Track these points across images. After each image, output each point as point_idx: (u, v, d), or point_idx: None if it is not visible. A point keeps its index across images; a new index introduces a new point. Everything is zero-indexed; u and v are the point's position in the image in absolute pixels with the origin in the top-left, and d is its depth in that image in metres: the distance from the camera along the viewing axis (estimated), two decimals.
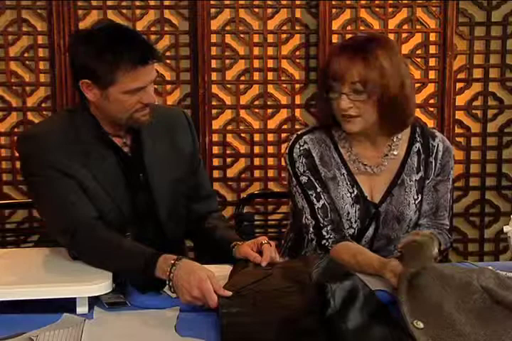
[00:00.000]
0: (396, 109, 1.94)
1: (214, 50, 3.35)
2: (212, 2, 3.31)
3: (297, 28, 3.38)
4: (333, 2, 3.33)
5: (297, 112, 3.42)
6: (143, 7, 3.32)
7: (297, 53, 3.39)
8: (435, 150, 2.07)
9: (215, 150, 3.42)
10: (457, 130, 3.48)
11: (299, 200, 2.05)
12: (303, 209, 2.04)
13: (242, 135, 3.42)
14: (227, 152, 3.43)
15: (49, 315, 1.60)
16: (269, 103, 3.41)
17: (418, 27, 3.39)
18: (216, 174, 3.44)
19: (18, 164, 3.30)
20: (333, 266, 1.73)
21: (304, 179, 2.04)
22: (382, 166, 2.04)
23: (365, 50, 1.91)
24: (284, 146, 3.29)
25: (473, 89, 3.47)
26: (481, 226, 3.56)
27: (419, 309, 1.51)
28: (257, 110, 3.42)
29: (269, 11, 3.35)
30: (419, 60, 3.41)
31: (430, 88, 3.43)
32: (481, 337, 1.45)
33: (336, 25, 3.35)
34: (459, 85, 3.45)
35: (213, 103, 3.38)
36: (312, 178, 2.03)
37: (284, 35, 3.37)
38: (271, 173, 3.46)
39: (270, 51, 3.37)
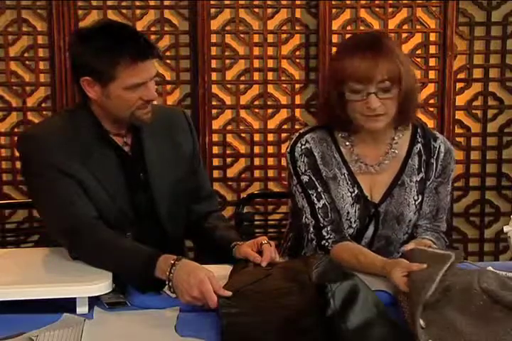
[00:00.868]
0: (412, 101, 1.96)
1: (214, 50, 3.35)
2: (212, 2, 3.31)
3: (297, 28, 3.38)
4: (333, 2, 3.33)
5: (297, 112, 3.42)
6: (143, 7, 3.32)
7: (297, 53, 3.39)
8: (437, 152, 2.07)
9: (215, 150, 3.42)
10: (457, 130, 3.48)
11: (299, 200, 2.05)
12: (303, 209, 2.04)
13: (242, 135, 3.42)
14: (227, 152, 3.43)
15: (49, 315, 1.61)
16: (269, 103, 3.41)
17: (418, 27, 3.39)
18: (216, 174, 3.44)
19: (18, 164, 3.32)
20: (333, 266, 1.73)
21: (305, 178, 2.03)
22: (383, 165, 2.04)
23: (382, 46, 1.90)
24: (284, 146, 3.30)
25: (473, 89, 3.46)
26: (481, 226, 3.55)
27: (421, 310, 1.51)
28: (257, 110, 3.42)
29: (269, 11, 3.35)
30: (419, 60, 3.41)
31: (430, 88, 3.43)
32: (481, 337, 1.45)
33: (336, 25, 3.35)
34: (459, 85, 3.45)
35: (213, 103, 3.38)
36: (313, 178, 2.03)
37: (284, 35, 3.37)
38: (271, 173, 3.46)
39: (270, 51, 3.37)
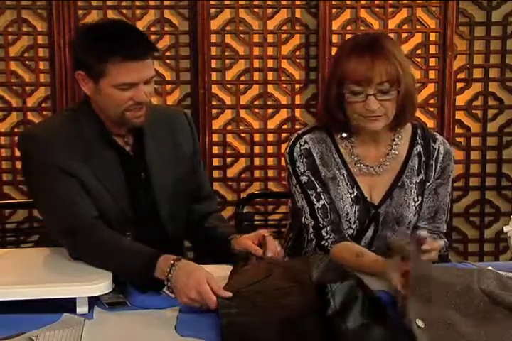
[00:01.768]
0: (411, 102, 1.96)
1: (214, 50, 3.35)
2: (212, 2, 3.31)
3: (297, 28, 3.38)
4: (333, 2, 3.33)
5: (297, 112, 3.42)
6: (143, 7, 3.32)
7: (297, 53, 3.39)
8: (436, 153, 2.07)
9: (215, 150, 3.42)
10: (457, 130, 3.48)
11: (298, 200, 2.05)
12: (302, 209, 2.04)
13: (242, 135, 3.42)
14: (227, 152, 3.43)
15: (49, 315, 1.60)
16: (269, 103, 3.41)
17: (418, 27, 3.39)
18: (216, 174, 3.44)
19: (18, 164, 3.32)
20: (334, 266, 1.73)
21: (304, 179, 2.04)
22: (384, 166, 2.04)
23: (380, 48, 1.91)
24: (284, 146, 3.28)
25: (473, 89, 3.47)
26: (481, 226, 3.55)
27: (420, 310, 1.51)
28: (257, 110, 3.42)
29: (269, 11, 3.35)
30: (419, 60, 3.41)
31: (430, 88, 3.43)
32: (481, 337, 1.45)
33: (336, 25, 3.35)
34: (459, 85, 3.45)
35: (213, 103, 3.38)
36: (312, 178, 2.03)
37: (284, 35, 3.37)
38: (271, 173, 3.46)
39: (270, 51, 3.37)
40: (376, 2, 3.37)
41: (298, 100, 3.41)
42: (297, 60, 3.39)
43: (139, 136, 2.00)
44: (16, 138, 3.31)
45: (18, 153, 3.30)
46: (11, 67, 3.31)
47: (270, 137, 3.43)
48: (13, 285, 1.68)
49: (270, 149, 3.44)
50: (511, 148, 3.53)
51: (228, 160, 3.44)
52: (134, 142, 2.01)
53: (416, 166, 2.06)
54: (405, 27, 3.40)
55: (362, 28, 3.36)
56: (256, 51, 3.37)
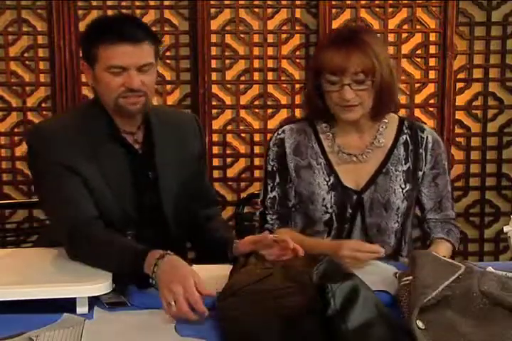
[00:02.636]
0: (389, 93, 2.02)
1: (214, 50, 3.35)
2: (212, 2, 3.31)
3: (297, 28, 3.38)
4: (333, 2, 3.33)
5: (297, 112, 3.42)
6: (143, 7, 3.32)
7: (297, 53, 3.39)
8: (424, 142, 2.12)
9: (215, 150, 3.42)
10: (457, 130, 3.48)
11: (261, 184, 2.20)
12: (260, 193, 2.20)
13: (242, 135, 3.42)
14: (227, 152, 3.43)
15: (49, 315, 1.60)
16: (269, 103, 3.41)
17: (418, 27, 3.39)
18: (216, 174, 3.44)
19: (18, 164, 3.33)
20: (334, 266, 1.72)
21: (269, 167, 2.16)
22: (367, 154, 2.10)
23: (357, 40, 1.98)
24: None
25: (473, 89, 3.47)
26: (481, 226, 3.56)
27: (420, 310, 1.51)
28: (257, 110, 3.42)
29: (269, 11, 3.35)
30: (419, 60, 3.41)
31: (430, 88, 3.43)
32: (481, 337, 1.45)
33: (336, 25, 3.35)
34: (459, 85, 3.45)
35: (213, 103, 3.38)
36: (275, 168, 2.14)
37: (284, 35, 3.37)
38: None
39: (270, 51, 3.37)
40: (376, 2, 3.37)
41: (298, 100, 3.41)
42: (297, 60, 3.39)
43: (148, 135, 2.00)
44: (16, 138, 3.33)
45: (18, 153, 3.33)
46: (11, 67, 3.31)
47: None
48: (13, 285, 1.68)
49: None
50: (511, 148, 3.53)
51: (228, 160, 3.44)
52: (144, 140, 2.00)
53: (402, 154, 2.11)
54: (405, 27, 3.40)
55: None
56: (256, 51, 3.37)
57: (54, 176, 1.89)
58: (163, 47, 3.31)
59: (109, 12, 3.29)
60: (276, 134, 2.16)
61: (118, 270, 1.77)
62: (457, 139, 3.48)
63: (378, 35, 3.33)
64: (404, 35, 3.39)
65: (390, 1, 3.37)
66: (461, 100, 3.46)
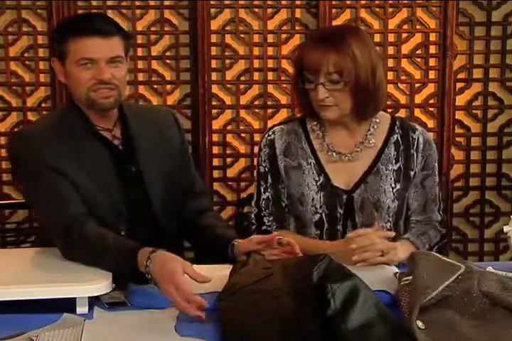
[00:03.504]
0: (369, 96, 2.00)
1: (214, 50, 3.35)
2: (212, 2, 3.31)
3: (297, 28, 3.37)
4: (333, 2, 3.33)
5: (297, 112, 3.41)
6: (143, 7, 3.32)
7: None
8: (416, 143, 2.12)
9: (215, 150, 3.41)
10: (457, 130, 3.48)
11: (254, 185, 2.19)
12: (253, 195, 2.18)
13: (242, 135, 3.42)
14: (227, 152, 3.43)
15: (49, 315, 1.61)
16: (269, 103, 3.41)
17: (418, 27, 3.39)
18: (216, 174, 3.43)
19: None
20: (334, 266, 1.72)
21: (261, 168, 2.18)
22: (358, 153, 2.10)
23: (336, 40, 1.97)
24: None
25: (473, 89, 3.46)
26: (481, 226, 3.55)
27: (420, 310, 1.51)
28: (257, 110, 3.41)
29: (269, 11, 3.35)
30: (419, 60, 3.41)
31: (430, 88, 3.43)
32: (482, 337, 1.45)
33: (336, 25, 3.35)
34: (459, 85, 3.45)
35: (213, 103, 3.37)
36: (267, 169, 2.15)
37: (284, 35, 3.37)
38: None
39: (270, 51, 3.37)
40: (376, 2, 3.37)
41: None
42: None
43: (126, 130, 2.01)
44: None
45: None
46: (11, 67, 3.31)
47: None
48: (13, 285, 1.68)
49: None
50: (511, 148, 3.53)
51: (228, 160, 3.44)
52: (122, 136, 2.02)
53: (392, 154, 2.11)
54: (405, 27, 3.39)
55: (362, 28, 3.35)
56: (256, 51, 3.37)
57: (41, 178, 1.90)
58: (163, 48, 3.31)
59: (109, 12, 3.29)
60: (266, 135, 2.17)
61: (114, 268, 1.77)
62: (457, 139, 3.48)
63: (378, 35, 3.37)
64: (404, 35, 3.39)
65: (390, 1, 3.37)
66: (461, 100, 3.46)
